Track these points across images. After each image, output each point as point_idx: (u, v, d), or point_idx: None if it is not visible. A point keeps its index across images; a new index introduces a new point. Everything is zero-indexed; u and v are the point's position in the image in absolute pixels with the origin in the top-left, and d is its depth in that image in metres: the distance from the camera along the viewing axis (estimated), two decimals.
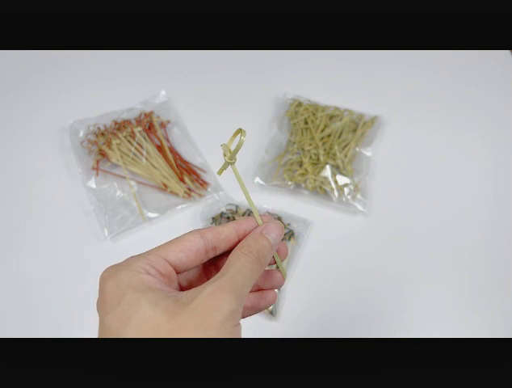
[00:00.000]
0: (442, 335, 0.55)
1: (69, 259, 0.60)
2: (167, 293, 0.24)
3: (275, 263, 0.31)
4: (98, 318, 0.25)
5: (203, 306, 0.23)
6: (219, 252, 0.29)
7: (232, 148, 0.28)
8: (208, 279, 0.26)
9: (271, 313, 0.56)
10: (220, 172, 0.30)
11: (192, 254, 0.27)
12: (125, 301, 0.23)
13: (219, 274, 0.25)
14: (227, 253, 0.28)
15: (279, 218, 0.61)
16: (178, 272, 0.27)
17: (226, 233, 0.28)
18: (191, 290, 0.24)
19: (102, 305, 0.24)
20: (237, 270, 0.25)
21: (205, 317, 0.22)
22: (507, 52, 0.80)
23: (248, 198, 0.30)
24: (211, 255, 0.28)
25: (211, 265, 0.30)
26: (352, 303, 0.58)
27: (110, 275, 0.25)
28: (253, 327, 0.56)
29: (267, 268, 0.31)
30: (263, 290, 0.31)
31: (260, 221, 0.29)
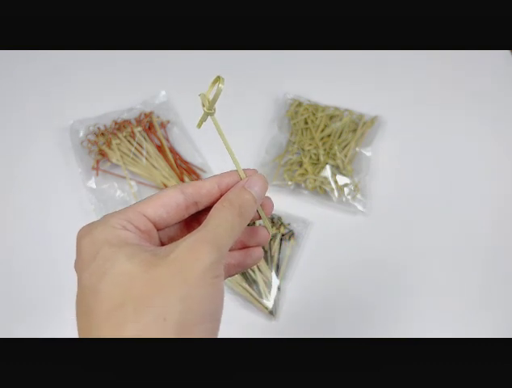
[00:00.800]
0: (442, 335, 0.55)
1: (69, 259, 0.60)
2: (145, 247, 0.23)
3: (260, 218, 0.30)
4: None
5: (182, 257, 0.22)
6: (201, 207, 0.28)
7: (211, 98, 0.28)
8: None
9: (271, 313, 0.56)
10: (199, 125, 0.29)
11: (172, 209, 0.26)
12: (100, 256, 0.23)
13: (199, 227, 0.24)
14: (209, 208, 0.27)
15: (280, 218, 0.62)
16: (158, 229, 0.26)
17: (208, 187, 0.27)
18: (170, 244, 0.24)
19: (78, 264, 0.24)
20: (217, 223, 0.24)
21: (184, 267, 0.22)
22: (507, 52, 0.80)
23: (229, 149, 0.29)
24: (193, 211, 0.27)
25: (194, 221, 0.29)
26: (352, 303, 0.58)
27: (85, 232, 0.24)
28: (253, 327, 0.56)
29: (252, 225, 0.30)
30: (249, 247, 0.30)
31: (243, 175, 0.28)
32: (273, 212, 0.62)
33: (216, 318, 0.23)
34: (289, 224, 0.61)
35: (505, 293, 0.58)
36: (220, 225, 0.24)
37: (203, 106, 0.27)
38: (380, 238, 0.62)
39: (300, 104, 0.72)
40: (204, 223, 0.25)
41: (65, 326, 0.56)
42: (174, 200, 0.26)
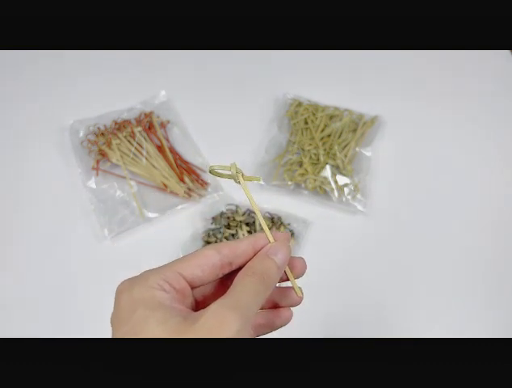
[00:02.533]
0: (442, 334, 0.55)
1: (69, 259, 0.60)
2: (177, 312, 0.24)
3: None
4: (109, 328, 0.25)
5: (208, 325, 0.23)
6: (235, 267, 0.28)
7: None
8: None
9: None
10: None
11: (208, 269, 0.27)
12: (135, 318, 0.23)
13: (225, 295, 0.25)
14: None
15: (280, 218, 0.61)
16: (193, 287, 0.27)
17: (243, 248, 0.28)
18: (200, 311, 0.24)
19: (115, 319, 0.24)
20: (241, 290, 0.25)
21: (212, 335, 0.22)
22: (507, 52, 0.80)
23: (258, 214, 0.30)
24: (227, 270, 0.28)
25: (228, 280, 0.30)
26: (352, 303, 0.58)
27: (125, 289, 0.25)
28: None
29: (284, 285, 0.30)
30: (279, 308, 0.31)
31: (272, 239, 0.29)
32: (273, 213, 0.62)
33: None
34: (289, 224, 0.61)
35: (506, 293, 0.58)
36: (244, 292, 0.25)
37: (235, 176, 0.29)
38: (380, 238, 0.62)
39: (299, 104, 0.72)
40: (229, 290, 0.25)
41: (64, 326, 0.56)
42: (210, 260, 0.27)
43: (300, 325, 0.57)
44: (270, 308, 0.31)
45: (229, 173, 0.29)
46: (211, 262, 0.27)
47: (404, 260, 0.61)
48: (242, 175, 0.30)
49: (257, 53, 0.78)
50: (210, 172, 0.29)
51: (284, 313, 0.30)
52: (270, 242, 0.29)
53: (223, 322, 0.23)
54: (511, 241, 0.62)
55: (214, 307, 0.24)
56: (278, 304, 0.31)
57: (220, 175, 0.30)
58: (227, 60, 0.79)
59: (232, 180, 0.30)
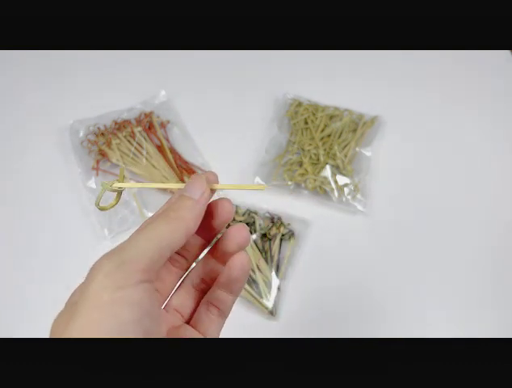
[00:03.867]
0: (442, 334, 0.55)
1: (69, 259, 0.60)
2: None
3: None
4: None
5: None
6: None
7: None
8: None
9: (271, 313, 0.56)
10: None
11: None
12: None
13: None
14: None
15: (279, 218, 0.61)
16: None
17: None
18: None
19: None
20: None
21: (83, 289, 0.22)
22: (507, 52, 0.80)
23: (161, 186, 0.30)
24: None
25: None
26: (352, 303, 0.58)
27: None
28: (253, 327, 0.56)
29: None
30: (226, 256, 0.28)
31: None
32: (273, 212, 0.62)
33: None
34: (289, 224, 0.61)
35: (506, 293, 0.58)
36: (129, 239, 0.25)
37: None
38: (380, 238, 0.62)
39: (300, 104, 0.72)
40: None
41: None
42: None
43: (298, 325, 0.57)
44: (218, 260, 0.29)
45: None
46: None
47: (404, 260, 0.61)
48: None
49: (257, 53, 0.78)
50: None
51: (234, 260, 0.27)
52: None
53: (91, 273, 0.23)
54: (510, 240, 0.62)
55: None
56: (223, 250, 0.28)
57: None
58: (227, 60, 0.79)
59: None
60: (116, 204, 0.29)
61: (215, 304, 0.28)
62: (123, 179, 0.29)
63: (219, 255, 0.28)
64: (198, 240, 0.29)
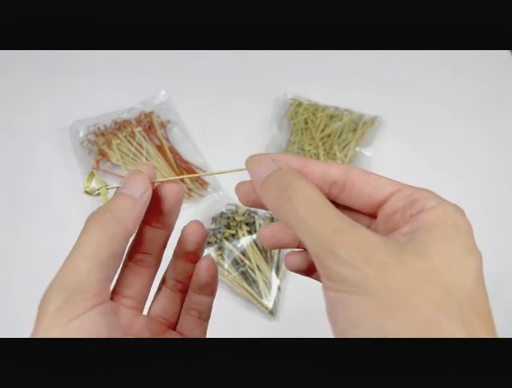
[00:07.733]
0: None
1: None
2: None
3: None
4: None
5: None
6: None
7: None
8: None
9: (271, 313, 0.56)
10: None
11: None
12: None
13: None
14: None
15: None
16: None
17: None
18: None
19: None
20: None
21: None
22: (507, 52, 0.80)
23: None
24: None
25: None
26: None
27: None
28: (253, 327, 0.56)
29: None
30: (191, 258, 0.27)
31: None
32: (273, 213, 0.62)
33: None
34: None
35: (507, 293, 0.58)
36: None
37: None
38: None
39: (299, 104, 0.72)
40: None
41: None
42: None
43: (299, 324, 0.57)
44: (184, 260, 0.27)
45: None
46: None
47: None
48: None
49: (257, 53, 0.78)
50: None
51: (201, 262, 0.26)
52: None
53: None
54: (510, 242, 0.62)
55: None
56: (185, 250, 0.27)
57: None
58: (227, 60, 0.79)
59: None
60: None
61: (194, 307, 0.27)
62: (106, 198, 0.27)
63: (184, 254, 0.27)
64: (156, 232, 0.26)
